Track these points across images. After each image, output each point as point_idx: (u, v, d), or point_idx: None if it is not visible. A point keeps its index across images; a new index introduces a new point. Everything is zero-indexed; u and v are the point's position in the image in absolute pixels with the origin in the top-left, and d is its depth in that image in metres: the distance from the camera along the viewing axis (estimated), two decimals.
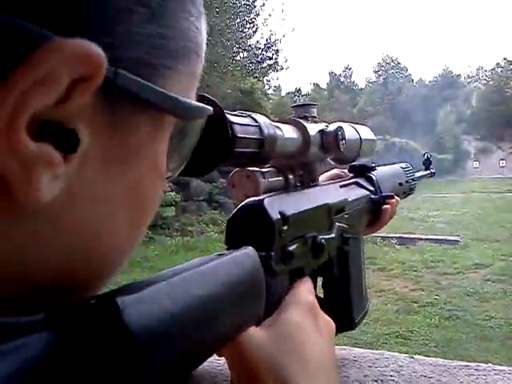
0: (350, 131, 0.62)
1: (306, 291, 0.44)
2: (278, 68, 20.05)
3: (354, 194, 0.63)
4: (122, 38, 0.23)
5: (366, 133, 0.68)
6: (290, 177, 0.50)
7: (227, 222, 0.44)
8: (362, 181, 0.68)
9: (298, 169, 0.52)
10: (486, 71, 54.54)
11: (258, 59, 20.40)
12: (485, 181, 24.48)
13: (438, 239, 7.83)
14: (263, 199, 0.43)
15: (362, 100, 55.22)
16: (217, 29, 16.09)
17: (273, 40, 20.24)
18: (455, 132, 39.02)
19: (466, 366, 0.82)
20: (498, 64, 47.37)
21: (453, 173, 31.22)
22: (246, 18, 19.39)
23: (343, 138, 0.57)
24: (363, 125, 0.71)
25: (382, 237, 7.23)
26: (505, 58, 46.34)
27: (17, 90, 0.20)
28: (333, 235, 0.52)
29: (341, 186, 0.61)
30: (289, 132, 0.48)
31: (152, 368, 0.25)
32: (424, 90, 49.65)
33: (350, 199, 0.59)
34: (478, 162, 38.23)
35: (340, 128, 0.56)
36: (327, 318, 0.43)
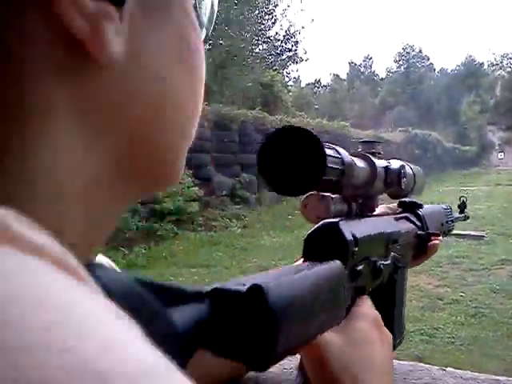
0: (408, 169, 0.67)
1: (371, 306, 0.50)
2: (298, 60, 19.97)
3: (405, 227, 0.67)
4: None
5: (419, 172, 0.73)
6: (353, 205, 0.54)
7: (306, 238, 0.49)
8: (411, 216, 0.72)
9: (361, 199, 0.57)
10: (510, 58, 53.39)
11: (278, 51, 20.31)
12: (510, 172, 24.04)
13: (463, 234, 7.72)
14: (338, 221, 0.49)
15: (383, 90, 54.58)
16: (235, 21, 16.08)
17: (292, 31, 20.13)
18: (479, 122, 38.31)
19: (496, 380, 0.85)
20: None
21: (477, 164, 30.69)
22: (265, 10, 19.31)
23: (405, 176, 0.62)
24: (416, 166, 0.75)
25: None
26: None
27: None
28: (388, 262, 0.57)
29: (394, 219, 0.66)
30: (360, 165, 0.53)
31: (281, 339, 0.33)
32: (446, 79, 48.89)
33: (402, 231, 0.64)
34: (502, 153, 37.48)
35: (403, 166, 0.62)
36: (387, 331, 0.49)
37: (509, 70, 48.63)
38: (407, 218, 0.71)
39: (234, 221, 9.29)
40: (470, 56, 51.42)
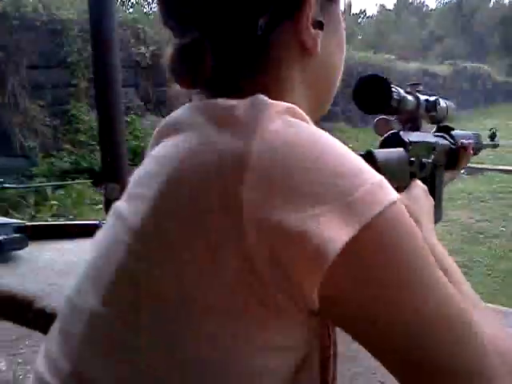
0: (442, 103, 0.89)
1: (421, 183, 0.76)
2: None
3: (441, 141, 0.91)
4: None
5: (451, 105, 0.95)
6: (406, 125, 0.81)
7: (380, 141, 0.78)
8: (446, 135, 0.94)
9: (410, 122, 0.83)
10: None
11: None
12: None
13: (507, 170, 7.64)
14: (399, 131, 0.77)
15: (432, 22, 51.94)
16: None
17: None
18: None
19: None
20: None
21: None
22: None
23: (439, 105, 0.87)
24: (449, 101, 0.98)
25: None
26: None
27: (304, 20, 0.51)
28: (430, 161, 0.81)
29: (434, 135, 0.91)
30: (410, 98, 0.79)
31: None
32: (502, 11, 45.87)
33: (439, 142, 0.88)
34: None
35: (437, 99, 0.86)
36: (430, 196, 0.76)
37: None
38: (443, 136, 0.93)
39: None
40: None
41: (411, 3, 59.42)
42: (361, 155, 0.52)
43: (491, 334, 0.46)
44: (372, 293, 0.40)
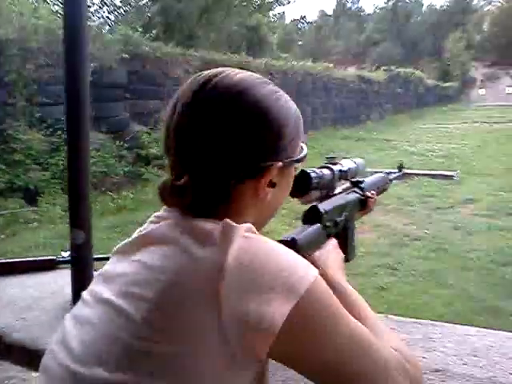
0: (351, 164, 1.13)
1: (334, 240, 0.99)
2: (285, 1, 19.51)
3: (352, 197, 1.13)
4: (291, 148, 0.75)
5: (360, 162, 1.19)
6: (323, 192, 1.03)
7: (303, 214, 0.98)
8: (356, 189, 1.17)
9: (327, 189, 1.05)
10: None
11: None
12: (489, 109, 24.29)
13: (434, 174, 8.14)
14: (317, 204, 0.98)
15: (369, 27, 53.42)
16: None
17: None
18: (463, 59, 38.06)
19: (415, 321, 1.20)
20: None
21: (457, 101, 30.88)
22: None
23: (350, 173, 1.11)
24: (360, 158, 1.22)
25: (371, 172, 7.57)
26: None
27: (265, 180, 0.72)
28: (342, 218, 1.04)
29: (346, 194, 1.12)
30: (327, 173, 1.02)
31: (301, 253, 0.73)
32: (434, 16, 47.90)
33: (349, 200, 1.11)
34: (483, 90, 37.59)
35: (348, 169, 1.09)
36: (340, 250, 0.99)
37: (498, 4, 47.71)
38: (354, 191, 1.15)
39: None
40: None
41: (349, 8, 60.93)
42: (287, 241, 0.85)
43: (397, 352, 0.71)
44: (307, 343, 0.64)
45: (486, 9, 51.05)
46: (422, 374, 0.74)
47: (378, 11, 55.58)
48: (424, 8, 53.03)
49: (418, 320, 1.20)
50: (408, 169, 8.54)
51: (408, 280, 4.32)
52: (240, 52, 14.81)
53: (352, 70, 23.44)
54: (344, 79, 17.28)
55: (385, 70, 21.53)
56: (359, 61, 44.05)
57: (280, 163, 0.71)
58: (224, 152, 0.67)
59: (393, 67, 22.11)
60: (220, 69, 0.72)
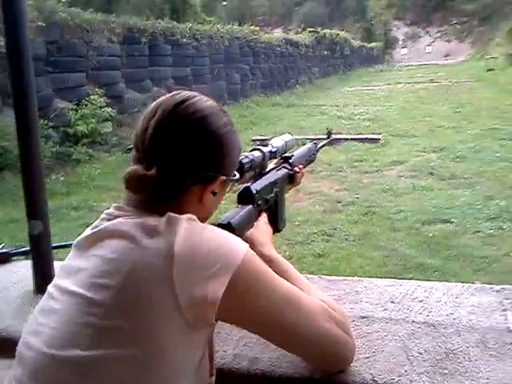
0: (280, 143, 1.27)
1: (264, 217, 1.16)
2: None
3: (282, 172, 1.26)
4: (231, 169, 0.95)
5: (289, 139, 1.32)
6: (257, 172, 1.16)
7: (238, 194, 1.10)
8: (286, 164, 1.30)
9: (259, 166, 1.17)
10: None
11: None
12: (412, 69, 25.18)
13: (361, 138, 8.40)
14: (249, 185, 1.11)
15: None
16: None
17: None
18: (385, 18, 38.87)
19: (344, 279, 1.38)
20: None
21: (382, 61, 31.75)
22: None
23: (279, 151, 1.25)
24: (288, 133, 1.35)
25: (311, 139, 7.75)
26: None
27: (210, 188, 0.90)
28: (272, 195, 1.18)
29: (276, 171, 1.25)
30: (258, 154, 1.15)
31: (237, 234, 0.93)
32: None
33: (279, 176, 1.24)
34: (406, 49, 38.77)
35: (278, 148, 1.23)
36: (269, 224, 1.16)
37: None
38: (284, 166, 1.29)
39: None
40: None
41: None
42: (224, 225, 0.98)
43: (323, 303, 0.90)
44: (246, 304, 0.82)
45: None
46: (346, 319, 0.94)
47: None
48: None
49: (346, 278, 1.39)
50: (337, 134, 8.82)
51: (343, 245, 4.54)
52: (163, 16, 14.36)
53: (278, 33, 23.38)
54: (271, 43, 17.23)
55: (310, 32, 21.60)
56: (286, 21, 43.92)
57: (224, 177, 0.91)
58: (187, 158, 0.86)
59: (319, 28, 22.23)
60: (195, 93, 0.92)
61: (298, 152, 1.39)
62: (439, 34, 41.22)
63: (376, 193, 5.89)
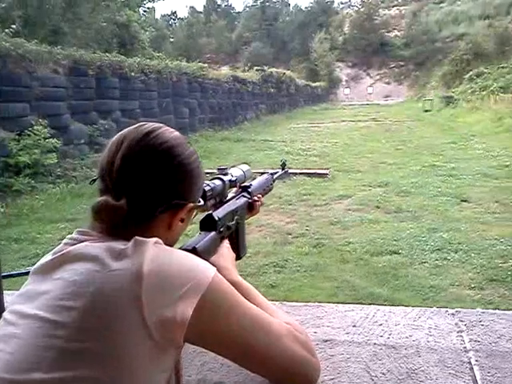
0: (239, 172, 1.28)
1: (227, 243, 1.16)
2: None
3: (241, 201, 1.28)
4: (197, 196, 0.97)
5: (248, 170, 1.34)
6: (217, 200, 1.17)
7: (200, 221, 1.10)
8: (245, 193, 1.32)
9: (219, 195, 1.18)
10: None
11: None
12: (354, 108, 26.28)
13: (309, 173, 8.60)
14: (212, 212, 1.12)
15: (240, 25, 54.53)
16: None
17: None
18: (329, 59, 40.50)
19: (305, 304, 1.39)
20: None
21: (326, 100, 32.93)
22: None
23: (239, 180, 1.27)
24: (245, 163, 1.38)
25: (261, 173, 7.84)
26: None
27: (179, 216, 0.91)
28: (234, 222, 1.19)
29: (235, 199, 1.26)
30: (218, 183, 1.16)
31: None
32: (300, 17, 50.20)
33: (239, 205, 1.25)
34: (349, 89, 40.47)
35: (237, 177, 1.25)
36: (231, 250, 1.15)
37: (356, 8, 51.34)
38: (243, 195, 1.30)
39: (94, 169, 9.20)
40: None
41: (219, 5, 61.63)
42: (189, 250, 0.97)
43: (288, 325, 0.91)
44: (214, 326, 0.81)
45: (345, 11, 54.75)
46: (310, 341, 0.96)
47: (247, 9, 56.88)
48: (291, 8, 55.38)
49: (307, 303, 1.44)
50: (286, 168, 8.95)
51: (294, 276, 4.55)
52: (111, 50, 14.34)
53: (226, 70, 23.83)
54: (219, 79, 17.52)
55: (257, 70, 22.18)
56: (233, 60, 44.90)
57: (192, 204, 0.93)
58: (156, 187, 0.87)
59: (265, 67, 22.85)
60: (161, 124, 0.94)
61: (256, 182, 1.42)
62: (379, 77, 43.37)
63: (325, 225, 5.98)
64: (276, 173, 1.64)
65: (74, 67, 10.28)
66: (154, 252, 0.80)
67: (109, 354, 0.72)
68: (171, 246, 0.92)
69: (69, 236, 0.87)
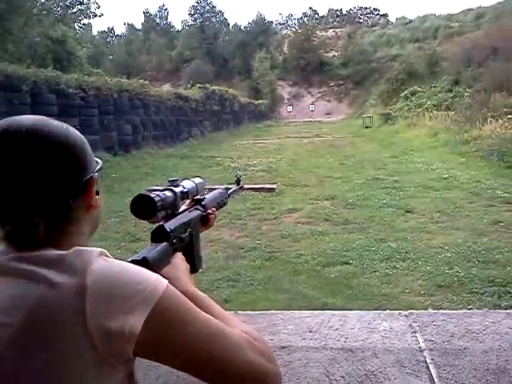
0: (191, 184, 1.22)
1: (180, 254, 1.07)
2: (91, 14, 18.82)
3: (195, 214, 1.22)
4: (92, 162, 0.86)
5: (200, 182, 1.28)
6: (169, 212, 1.09)
7: (151, 233, 1.04)
8: (198, 206, 1.27)
9: (171, 207, 1.10)
10: (294, 19, 57.73)
11: (67, 3, 18.84)
12: (298, 125, 26.77)
13: (257, 188, 8.61)
14: (163, 223, 1.05)
15: (180, 44, 54.57)
16: None
17: None
18: (270, 78, 41.22)
19: (260, 313, 1.36)
20: (304, 13, 50.55)
21: (269, 117, 33.37)
22: None
23: (191, 193, 1.20)
24: (198, 177, 1.31)
25: (209, 189, 7.78)
26: (310, 8, 49.64)
27: (92, 191, 0.84)
28: (187, 234, 1.12)
29: (188, 212, 1.20)
30: (169, 194, 1.09)
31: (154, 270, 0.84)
32: (240, 36, 50.91)
33: (192, 217, 1.19)
34: (291, 107, 41.24)
35: (189, 189, 1.18)
36: (185, 262, 1.07)
37: (293, 29, 52.74)
38: (196, 208, 1.25)
39: None
40: (261, 14, 54.06)
41: (158, 24, 61.48)
42: (138, 261, 0.90)
43: (246, 334, 0.88)
44: (167, 340, 0.76)
45: (284, 32, 56.10)
46: (269, 349, 0.92)
47: (186, 28, 57.03)
48: (230, 27, 56.05)
49: (262, 311, 1.40)
50: (232, 184, 8.93)
51: (248, 289, 4.50)
52: (46, 65, 13.91)
53: (167, 87, 23.68)
54: (161, 96, 17.36)
55: (200, 88, 22.19)
56: (174, 77, 44.73)
57: (96, 174, 0.86)
58: (52, 182, 0.78)
59: (208, 85, 22.89)
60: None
61: (210, 195, 1.39)
62: (320, 95, 44.56)
63: (276, 239, 5.99)
64: (230, 188, 1.61)
65: (6, 82, 9.90)
66: (99, 264, 0.75)
67: (46, 373, 0.68)
68: (99, 223, 0.92)
69: None
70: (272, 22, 56.12)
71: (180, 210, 1.18)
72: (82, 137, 0.85)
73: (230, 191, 1.58)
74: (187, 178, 1.26)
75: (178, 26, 60.53)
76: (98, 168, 0.89)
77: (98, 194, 0.88)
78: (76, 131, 0.84)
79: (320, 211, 7.16)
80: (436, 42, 36.64)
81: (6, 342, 0.68)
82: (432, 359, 1.11)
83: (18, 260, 0.74)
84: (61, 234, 0.80)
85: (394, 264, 4.91)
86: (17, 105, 10.04)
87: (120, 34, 58.99)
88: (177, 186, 1.16)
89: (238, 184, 1.68)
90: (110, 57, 47.46)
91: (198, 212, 1.25)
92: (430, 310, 1.39)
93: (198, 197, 1.29)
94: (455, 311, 1.39)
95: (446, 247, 5.29)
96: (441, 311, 1.39)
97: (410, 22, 50.76)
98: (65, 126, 0.82)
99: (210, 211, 1.29)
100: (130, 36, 57.78)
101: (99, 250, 0.78)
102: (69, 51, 17.58)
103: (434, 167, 10.69)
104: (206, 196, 1.35)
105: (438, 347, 1.16)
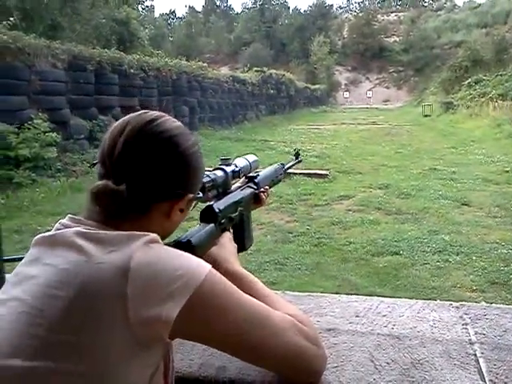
0: (244, 163, 1.22)
1: (228, 234, 1.12)
2: None
3: (247, 192, 1.23)
4: (196, 188, 0.94)
5: (254, 159, 1.28)
6: (220, 191, 1.11)
7: (200, 212, 1.05)
8: (251, 184, 1.27)
9: (222, 185, 1.13)
10: (356, 3, 56.37)
11: None
12: (354, 111, 26.32)
13: (310, 173, 8.58)
14: (212, 204, 1.06)
15: (239, 27, 54.58)
16: None
17: None
18: (328, 63, 40.59)
19: (308, 294, 1.39)
20: None
21: (325, 103, 32.93)
22: None
23: (244, 171, 1.22)
24: (252, 154, 1.31)
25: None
26: None
27: (178, 206, 0.88)
28: (237, 214, 1.13)
29: (240, 190, 1.22)
30: (220, 174, 1.11)
31: (198, 255, 0.89)
32: (299, 19, 50.31)
33: (244, 195, 1.20)
34: (348, 93, 40.56)
35: (241, 167, 1.19)
36: (233, 242, 1.12)
37: (355, 13, 51.50)
38: (249, 186, 1.25)
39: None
40: None
41: (219, 6, 61.70)
42: (183, 243, 0.94)
43: (291, 317, 0.89)
44: (209, 323, 0.79)
45: (344, 16, 54.90)
46: (316, 331, 0.94)
47: (246, 11, 56.91)
48: (290, 11, 55.44)
49: (310, 293, 1.41)
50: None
51: (295, 274, 4.54)
52: (110, 46, 14.29)
53: (225, 70, 23.83)
54: (219, 79, 17.49)
55: (257, 71, 22.18)
56: (232, 60, 44.92)
57: (191, 195, 0.91)
58: (157, 176, 0.85)
59: (265, 68, 22.83)
60: (163, 113, 0.92)
61: (264, 172, 1.37)
62: (378, 81, 43.51)
63: (326, 225, 5.97)
64: (287, 164, 1.57)
65: (73, 62, 10.23)
66: (143, 248, 0.78)
67: (87, 348, 0.71)
68: (168, 235, 0.92)
69: (61, 221, 0.85)
70: (332, 5, 55.23)
71: (232, 188, 1.17)
72: (203, 165, 0.94)
73: (287, 165, 1.54)
74: (240, 156, 1.26)
75: (238, 9, 60.49)
76: (197, 196, 0.96)
77: (181, 211, 0.90)
78: (200, 158, 0.93)
79: (372, 199, 7.06)
80: (506, 28, 34.84)
81: (56, 314, 0.72)
82: (482, 353, 1.09)
83: (81, 236, 0.79)
84: (132, 222, 0.84)
85: (447, 257, 4.79)
86: (82, 84, 10.39)
87: (181, 16, 59.68)
88: (228, 164, 1.16)
89: (296, 158, 1.66)
90: (171, 38, 48.22)
91: (251, 190, 1.24)
92: (483, 303, 1.36)
93: (252, 174, 1.28)
94: (510, 306, 1.36)
95: (503, 243, 5.10)
96: (494, 305, 1.36)
97: (479, 6, 48.34)
98: (196, 148, 0.92)
99: (262, 189, 1.28)
100: (191, 18, 58.33)
101: (152, 235, 0.81)
102: (132, 32, 18.00)
103: (495, 160, 10.28)
104: (260, 173, 1.33)
105: (490, 341, 1.14)
